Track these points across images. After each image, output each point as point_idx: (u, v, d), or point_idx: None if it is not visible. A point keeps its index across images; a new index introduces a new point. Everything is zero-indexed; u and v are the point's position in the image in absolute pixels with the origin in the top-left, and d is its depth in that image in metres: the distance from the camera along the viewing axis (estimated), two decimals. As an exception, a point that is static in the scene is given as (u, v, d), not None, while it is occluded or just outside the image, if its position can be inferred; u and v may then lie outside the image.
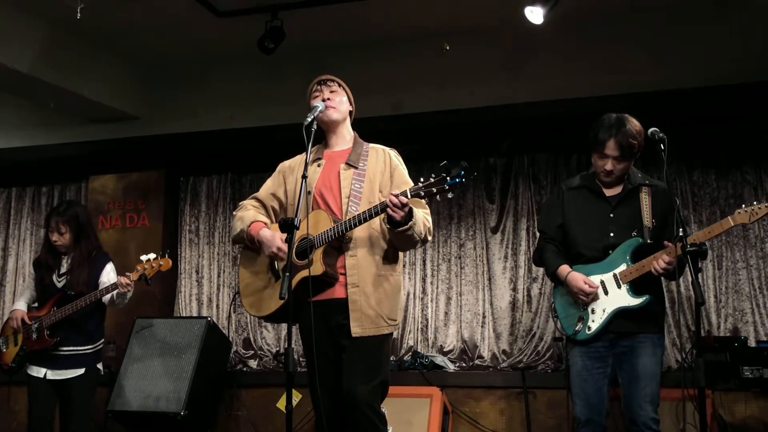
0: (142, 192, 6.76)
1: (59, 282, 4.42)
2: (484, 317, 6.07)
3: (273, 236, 3.21)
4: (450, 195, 2.86)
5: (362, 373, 3.10)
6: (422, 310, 6.23)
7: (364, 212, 3.05)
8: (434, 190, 2.84)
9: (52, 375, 4.31)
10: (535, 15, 4.86)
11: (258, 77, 6.12)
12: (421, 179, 2.93)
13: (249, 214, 3.38)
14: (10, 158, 6.91)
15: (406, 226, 2.99)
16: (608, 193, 3.66)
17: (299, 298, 3.04)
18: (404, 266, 6.24)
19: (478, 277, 6.16)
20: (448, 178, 2.79)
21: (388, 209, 2.93)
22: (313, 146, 3.35)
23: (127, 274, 4.24)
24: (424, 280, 6.28)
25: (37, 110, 6.63)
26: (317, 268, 3.07)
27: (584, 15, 5.33)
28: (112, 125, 6.55)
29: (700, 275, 3.99)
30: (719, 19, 5.21)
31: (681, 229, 3.19)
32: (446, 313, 6.17)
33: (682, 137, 5.45)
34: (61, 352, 4.31)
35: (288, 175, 3.42)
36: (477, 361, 5.96)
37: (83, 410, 4.32)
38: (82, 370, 4.32)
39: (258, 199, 3.48)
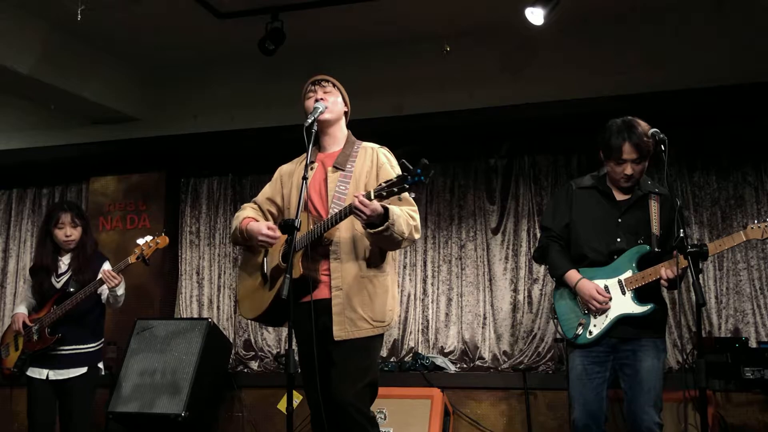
0: (143, 193, 6.76)
1: (58, 283, 4.43)
2: (484, 318, 6.07)
3: (258, 225, 3.24)
4: (412, 195, 2.86)
5: (348, 376, 3.10)
6: (423, 311, 6.22)
7: (335, 214, 3.05)
8: (395, 189, 2.82)
9: (54, 375, 4.32)
10: (535, 16, 4.85)
11: (258, 79, 6.12)
12: (384, 179, 2.93)
13: (243, 213, 3.44)
14: (10, 160, 6.90)
15: (382, 227, 2.96)
16: (619, 197, 3.64)
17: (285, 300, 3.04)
18: (404, 267, 6.24)
19: (479, 279, 6.15)
20: (408, 177, 2.77)
21: (354, 211, 2.92)
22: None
23: (111, 270, 4.26)
24: (424, 281, 6.27)
25: (38, 112, 6.63)
26: (296, 271, 3.07)
27: (584, 16, 5.33)
28: (112, 127, 6.55)
29: (700, 276, 3.99)
30: (720, 19, 5.21)
31: (681, 230, 3.18)
32: (447, 315, 6.17)
33: (682, 138, 5.46)
34: (63, 351, 4.32)
35: (285, 180, 3.43)
36: (478, 362, 5.96)
37: (83, 410, 4.33)
38: (84, 369, 4.33)
39: (256, 203, 3.51)
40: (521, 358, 5.84)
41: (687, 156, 5.79)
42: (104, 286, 4.31)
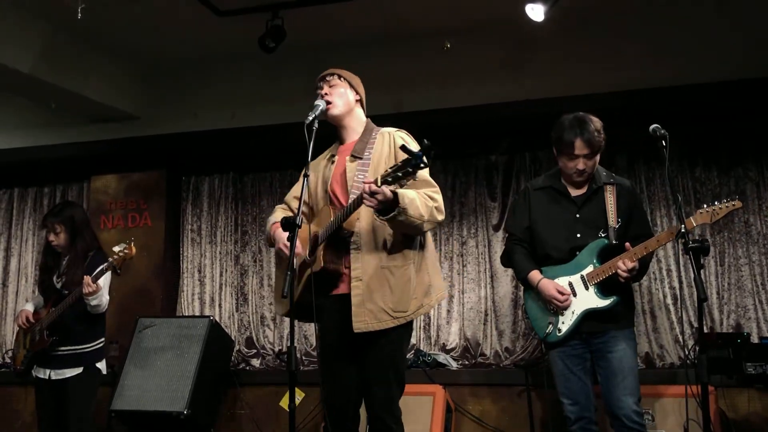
0: (144, 192, 6.76)
1: (58, 283, 4.46)
2: (486, 315, 6.07)
3: (281, 234, 3.22)
4: (415, 178, 2.83)
5: (375, 373, 3.10)
6: (424, 308, 6.21)
7: (349, 204, 3.03)
8: (400, 174, 2.79)
9: (55, 375, 4.36)
10: (536, 12, 4.86)
11: (259, 76, 6.12)
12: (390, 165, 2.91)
13: (275, 216, 3.44)
14: (11, 159, 6.91)
15: (394, 212, 2.92)
16: (574, 193, 3.70)
17: (311, 295, 3.02)
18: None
19: (481, 275, 6.15)
20: (411, 160, 2.75)
21: (362, 198, 2.90)
22: (328, 144, 3.37)
23: (91, 278, 4.23)
24: (426, 278, 6.26)
25: (39, 111, 6.64)
26: (317, 264, 3.07)
27: (584, 12, 5.32)
28: (113, 125, 6.55)
29: (702, 272, 3.99)
30: (721, 15, 5.21)
31: (683, 225, 3.19)
32: (448, 311, 6.17)
33: (683, 134, 5.42)
34: (60, 352, 4.35)
35: (311, 176, 3.40)
36: (479, 359, 5.96)
37: (82, 410, 4.32)
38: (79, 369, 4.34)
39: (285, 203, 3.55)
40: (523, 355, 5.84)
41: (688, 152, 5.77)
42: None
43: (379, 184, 2.83)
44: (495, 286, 6.09)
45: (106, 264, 4.24)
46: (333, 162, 3.34)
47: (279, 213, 3.46)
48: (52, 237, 4.47)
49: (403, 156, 2.94)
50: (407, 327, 3.19)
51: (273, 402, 5.75)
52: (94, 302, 4.27)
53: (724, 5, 5.16)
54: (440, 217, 3.10)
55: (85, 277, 4.21)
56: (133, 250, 4.30)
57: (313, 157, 3.49)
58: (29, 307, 4.58)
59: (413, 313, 3.15)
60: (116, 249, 4.28)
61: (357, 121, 3.38)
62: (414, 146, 3.18)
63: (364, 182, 2.89)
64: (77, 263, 4.41)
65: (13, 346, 4.78)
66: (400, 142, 3.22)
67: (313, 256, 3.10)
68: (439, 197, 3.13)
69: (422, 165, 2.71)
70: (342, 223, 3.07)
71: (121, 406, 5.48)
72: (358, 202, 2.97)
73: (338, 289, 3.15)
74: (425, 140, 2.73)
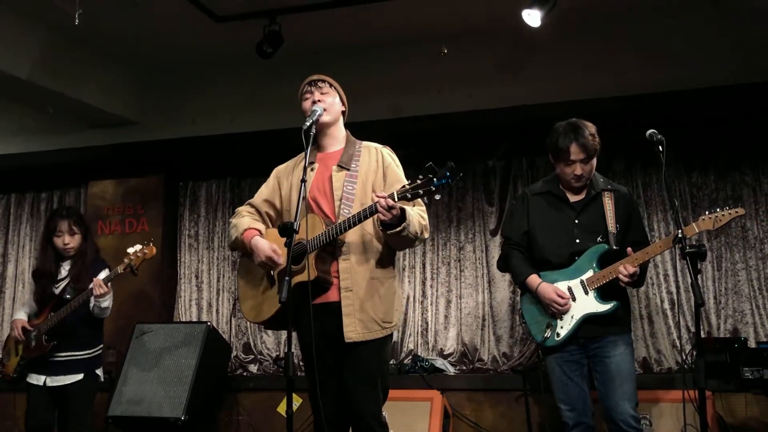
0: (142, 197, 6.76)
1: (57, 288, 4.42)
2: (484, 320, 6.07)
3: (265, 245, 3.20)
4: (437, 197, 2.83)
5: (362, 381, 3.09)
6: (422, 314, 6.22)
7: (354, 215, 3.03)
8: (421, 191, 2.81)
9: (51, 382, 4.31)
10: (532, 18, 4.87)
11: (256, 82, 6.13)
12: (408, 181, 2.92)
13: (243, 221, 3.36)
14: (9, 164, 6.91)
15: (399, 228, 2.96)
16: (572, 198, 3.72)
17: (294, 304, 3.01)
18: (403, 269, 6.24)
19: (478, 280, 6.15)
20: (434, 179, 2.76)
21: (379, 211, 2.91)
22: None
23: (102, 280, 4.21)
24: (423, 283, 6.27)
25: (36, 116, 6.63)
26: (310, 273, 3.06)
27: (582, 17, 5.34)
28: (110, 131, 6.55)
29: (699, 276, 4.01)
30: (717, 20, 5.23)
31: (680, 230, 3.20)
32: (446, 317, 6.17)
33: (680, 139, 5.47)
34: (59, 358, 4.31)
35: (282, 180, 3.40)
36: (477, 364, 5.96)
37: (82, 416, 4.31)
38: (80, 376, 4.31)
39: (252, 206, 3.46)
40: (521, 360, 5.84)
41: (685, 156, 5.79)
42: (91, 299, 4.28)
43: (396, 198, 2.86)
44: (492, 291, 6.09)
45: (122, 264, 4.23)
46: (313, 170, 3.30)
47: (247, 218, 3.38)
48: (67, 239, 4.41)
49: (392, 173, 2.96)
50: (391, 337, 3.28)
51: (270, 407, 5.74)
52: (104, 304, 4.26)
53: (720, 11, 5.18)
54: (426, 236, 3.19)
55: (95, 279, 4.20)
56: (153, 250, 4.30)
57: (283, 162, 3.51)
58: (22, 316, 4.50)
59: (395, 324, 3.22)
60: (131, 250, 4.26)
61: (339, 130, 3.39)
62: (399, 164, 3.32)
63: (378, 196, 2.90)
64: (85, 265, 4.39)
65: (2, 354, 4.72)
66: (389, 160, 3.29)
67: (299, 265, 3.09)
68: (427, 216, 3.20)
69: (447, 185, 2.74)
70: (343, 233, 3.07)
71: (118, 412, 5.46)
72: (366, 214, 2.98)
73: (324, 297, 3.14)
74: (451, 162, 2.75)
